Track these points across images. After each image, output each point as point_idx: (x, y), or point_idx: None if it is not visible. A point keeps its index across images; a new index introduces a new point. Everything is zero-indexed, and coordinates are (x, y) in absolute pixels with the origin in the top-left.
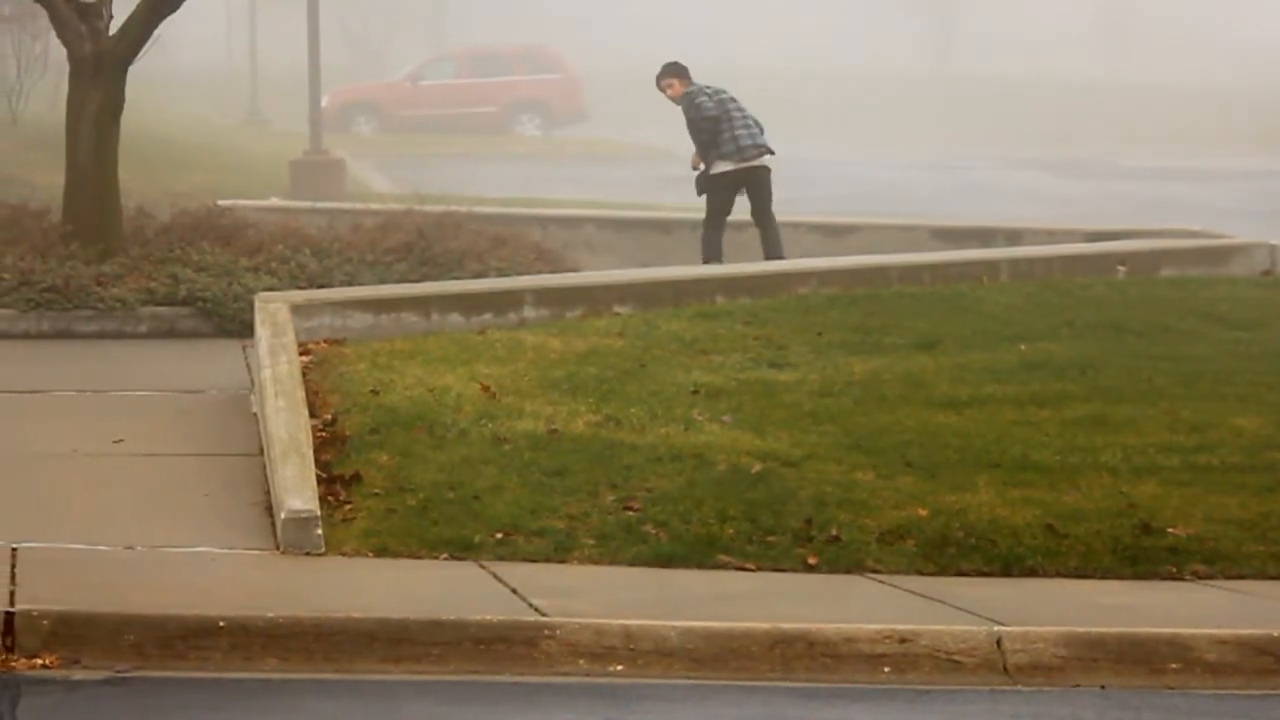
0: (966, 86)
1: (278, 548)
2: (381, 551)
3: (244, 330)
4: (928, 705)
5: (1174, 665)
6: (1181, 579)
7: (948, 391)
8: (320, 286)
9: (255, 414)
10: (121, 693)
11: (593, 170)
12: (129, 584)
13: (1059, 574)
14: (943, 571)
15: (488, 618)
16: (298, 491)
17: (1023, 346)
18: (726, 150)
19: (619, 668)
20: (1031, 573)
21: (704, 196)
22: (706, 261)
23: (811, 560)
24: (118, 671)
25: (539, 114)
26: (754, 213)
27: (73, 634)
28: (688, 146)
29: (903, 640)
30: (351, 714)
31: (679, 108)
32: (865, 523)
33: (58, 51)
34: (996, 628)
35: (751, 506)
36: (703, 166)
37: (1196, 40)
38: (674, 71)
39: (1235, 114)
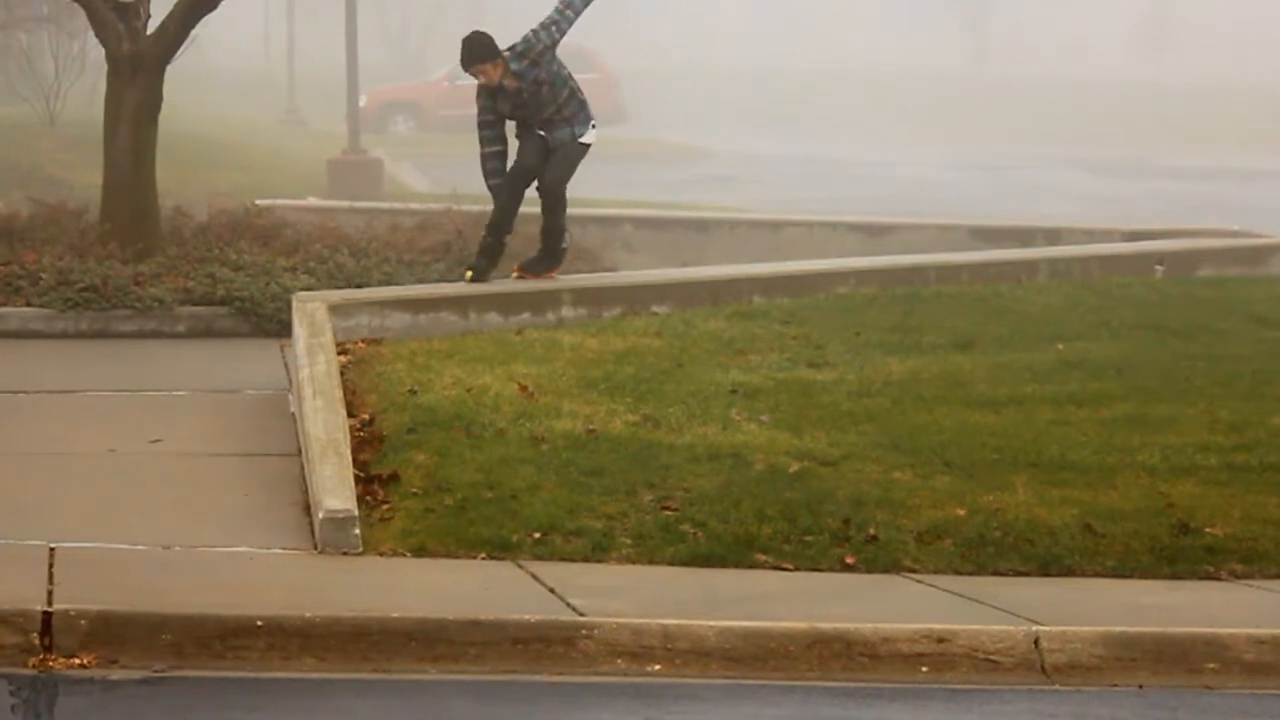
0: (1005, 86)
1: (315, 547)
2: (419, 551)
3: (282, 330)
4: (965, 705)
5: (1212, 665)
6: (1219, 579)
7: (986, 391)
8: (358, 286)
9: (293, 414)
10: (159, 692)
11: (629, 170)
12: (166, 583)
13: (1097, 574)
14: (980, 571)
15: (526, 617)
16: (335, 491)
17: (1061, 346)
18: (587, 117)
19: (657, 667)
20: (1069, 572)
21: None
22: (561, 250)
23: (849, 560)
24: (155, 671)
25: None
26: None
27: (110, 633)
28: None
29: (940, 640)
30: (389, 713)
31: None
32: (903, 522)
33: (95, 51)
34: (1034, 627)
35: (789, 506)
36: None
37: (1236, 39)
38: (491, 52)
39: (1274, 113)
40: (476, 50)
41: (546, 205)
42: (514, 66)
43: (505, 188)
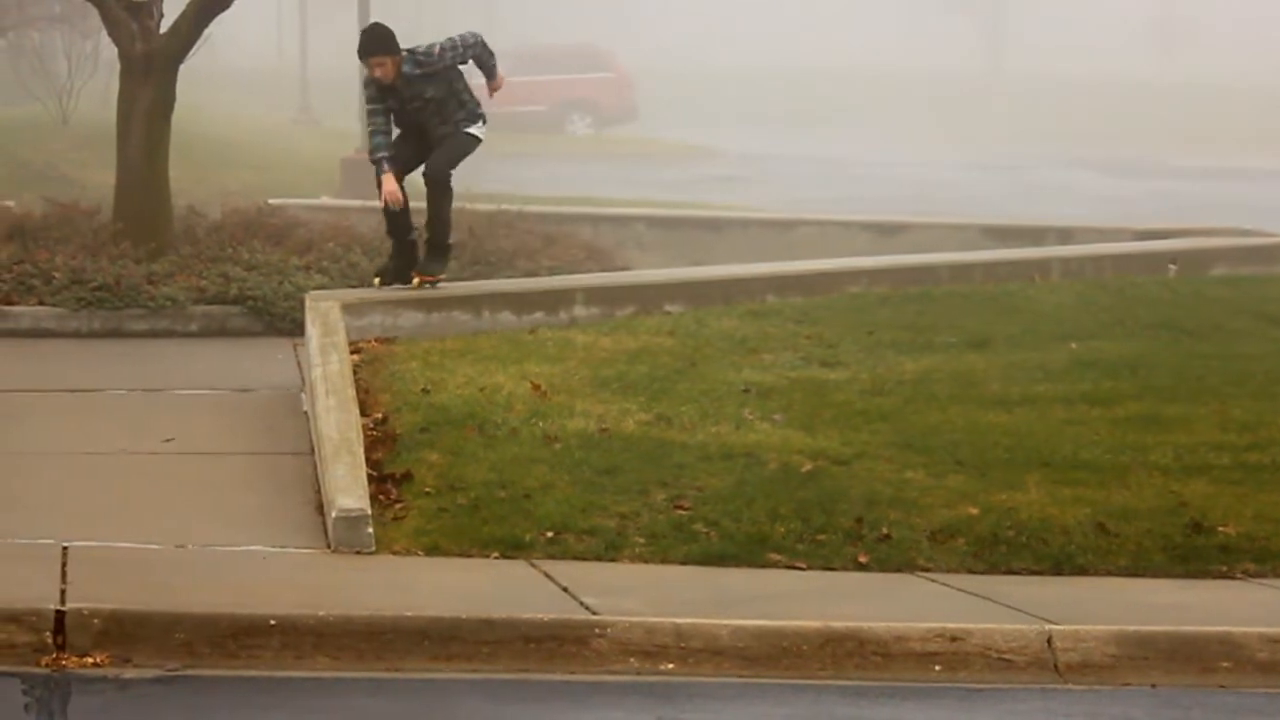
0: (1017, 86)
1: (329, 546)
2: (432, 550)
3: (295, 329)
4: (978, 704)
5: (1225, 664)
6: (1232, 577)
7: (998, 390)
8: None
9: (306, 413)
10: (172, 691)
11: (643, 169)
12: (180, 582)
13: (1109, 573)
14: (993, 570)
15: (539, 616)
16: (349, 490)
17: (1074, 345)
18: (477, 118)
19: (670, 666)
20: (1082, 571)
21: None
22: (447, 246)
23: (862, 559)
24: (169, 670)
25: (589, 113)
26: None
27: (124, 632)
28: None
29: (953, 639)
30: (402, 712)
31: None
32: (916, 521)
33: (108, 50)
34: (1047, 626)
35: (802, 505)
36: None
37: (1246, 39)
38: (391, 46)
39: None
40: (377, 42)
41: (431, 193)
42: (406, 69)
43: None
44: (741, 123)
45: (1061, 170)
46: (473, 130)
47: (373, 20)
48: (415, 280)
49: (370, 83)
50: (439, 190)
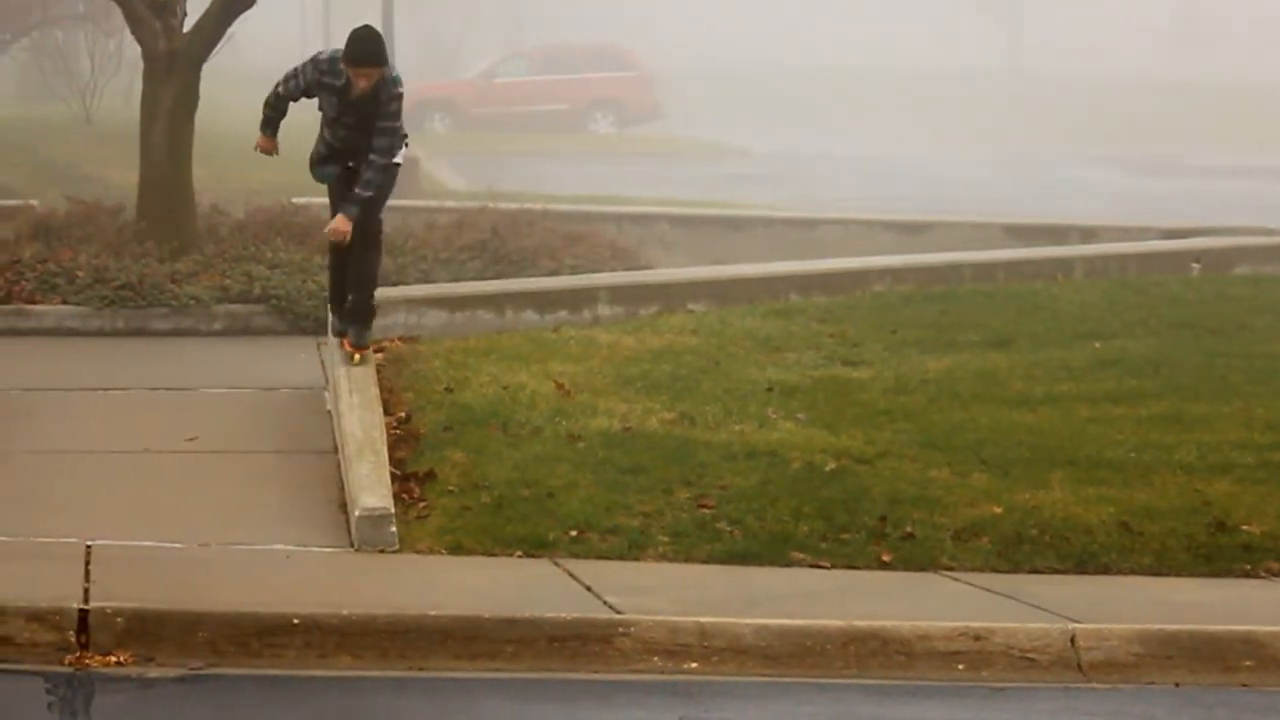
0: (1038, 85)
1: (352, 545)
2: (456, 549)
3: (318, 328)
4: (1002, 703)
5: (1248, 663)
6: (1256, 576)
7: (1022, 389)
8: (394, 284)
9: (329, 411)
10: (195, 690)
11: (666, 167)
12: (203, 581)
13: (1133, 572)
14: (1017, 569)
15: (562, 615)
16: (372, 489)
17: (1097, 344)
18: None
19: (693, 665)
20: (1105, 570)
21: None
22: (372, 307)
23: (886, 558)
24: (192, 669)
25: (612, 111)
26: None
27: (147, 631)
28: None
29: (977, 638)
30: (426, 712)
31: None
32: (939, 520)
33: (132, 49)
34: (1071, 625)
35: (826, 504)
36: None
37: (1268, 37)
38: (384, 58)
39: None
40: (376, 53)
41: (365, 245)
42: (392, 87)
43: (330, 266)
44: (764, 121)
45: (1083, 169)
46: (397, 159)
47: (383, 21)
48: (355, 357)
49: (315, 77)
50: (373, 243)
